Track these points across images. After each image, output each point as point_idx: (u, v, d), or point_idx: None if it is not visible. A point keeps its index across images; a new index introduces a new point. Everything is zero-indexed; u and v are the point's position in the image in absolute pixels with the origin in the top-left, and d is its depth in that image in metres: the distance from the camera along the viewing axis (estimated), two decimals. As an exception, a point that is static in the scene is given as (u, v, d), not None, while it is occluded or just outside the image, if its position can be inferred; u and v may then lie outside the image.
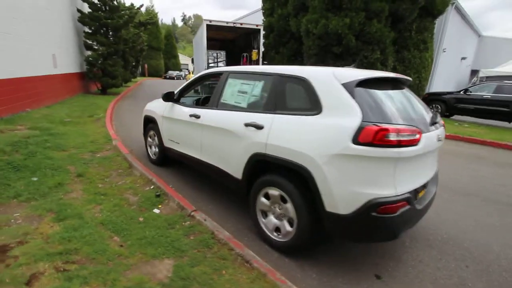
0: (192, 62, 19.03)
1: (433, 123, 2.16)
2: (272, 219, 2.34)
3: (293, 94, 2.30)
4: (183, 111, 3.30)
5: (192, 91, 3.81)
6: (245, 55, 12.10)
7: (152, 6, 16.41)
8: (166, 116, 3.61)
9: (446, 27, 14.46)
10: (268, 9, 13.25)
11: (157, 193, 3.03)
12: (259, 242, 2.41)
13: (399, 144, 1.76)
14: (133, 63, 17.44)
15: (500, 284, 2.06)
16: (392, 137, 1.74)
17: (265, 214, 2.41)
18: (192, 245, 2.20)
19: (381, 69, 10.41)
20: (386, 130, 1.73)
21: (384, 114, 1.84)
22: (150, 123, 4.18)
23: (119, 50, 11.72)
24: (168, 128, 3.62)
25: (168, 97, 3.49)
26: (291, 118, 2.13)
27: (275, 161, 2.18)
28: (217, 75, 3.16)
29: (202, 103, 3.85)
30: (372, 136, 1.74)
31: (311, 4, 9.86)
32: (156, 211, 2.73)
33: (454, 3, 14.37)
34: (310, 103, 2.07)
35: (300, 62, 12.29)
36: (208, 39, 10.61)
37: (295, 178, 2.11)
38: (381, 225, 1.81)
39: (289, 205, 2.14)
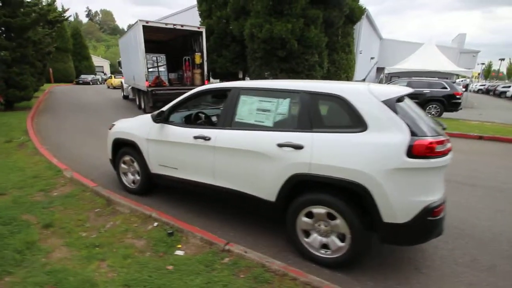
0: (119, 65, 16.95)
1: (443, 129, 2.49)
2: (316, 237, 2.31)
3: (330, 112, 2.30)
4: (182, 133, 2.92)
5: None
6: (187, 58, 11.45)
7: (62, 9, 13.71)
8: (154, 139, 3.13)
9: (361, 32, 16.79)
10: (205, 10, 12.91)
11: (169, 231, 2.61)
12: (304, 262, 2.35)
13: (443, 153, 1.98)
14: (41, 69, 14.47)
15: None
16: (439, 148, 1.95)
17: (307, 233, 2.36)
18: (250, 285, 1.99)
19: (319, 71, 11.41)
20: (435, 142, 1.92)
21: (421, 127, 2.03)
22: (123, 147, 3.56)
23: (27, 55, 9.51)
24: (158, 152, 3.15)
25: (160, 117, 3.02)
26: (334, 136, 2.14)
27: (322, 180, 2.16)
28: (221, 91, 2.91)
29: (194, 121, 3.48)
30: (424, 149, 1.90)
31: (254, 9, 10.04)
32: (180, 252, 2.35)
33: (366, 11, 16.80)
34: (352, 121, 2.12)
35: (244, 65, 12.41)
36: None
37: (344, 195, 2.13)
38: (434, 226, 2.02)
39: (338, 221, 2.16)
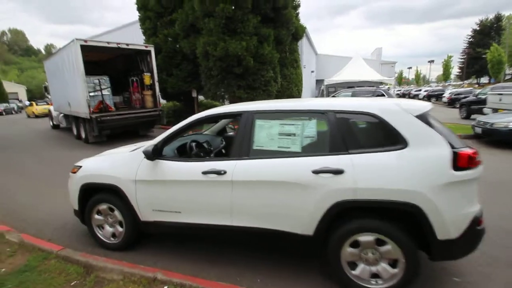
0: (46, 90, 14.58)
1: None
2: (365, 267, 2.10)
3: (363, 131, 2.17)
4: (185, 168, 2.43)
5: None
6: (134, 79, 10.46)
7: None
8: (146, 180, 2.56)
9: (302, 48, 18.02)
10: (150, 28, 12.13)
11: (188, 296, 2.07)
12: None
13: (480, 163, 2.01)
14: None
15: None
16: (478, 158, 1.97)
17: (353, 265, 2.13)
18: None
19: (274, 86, 11.69)
20: (475, 153, 1.94)
21: (453, 139, 2.05)
22: (96, 193, 2.85)
23: None
24: (151, 195, 2.57)
25: (155, 153, 2.47)
26: (376, 156, 2.00)
27: (370, 205, 1.98)
28: (229, 116, 2.55)
29: (192, 152, 2.97)
30: (467, 160, 1.90)
31: (206, 27, 9.79)
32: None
33: (306, 30, 18.15)
34: (390, 138, 2.02)
35: (197, 83, 11.94)
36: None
37: (395, 217, 2.00)
38: (480, 234, 2.02)
39: (390, 247, 2.00)
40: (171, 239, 3.00)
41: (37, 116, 20.60)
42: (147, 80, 10.12)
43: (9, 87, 38.04)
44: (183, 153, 2.98)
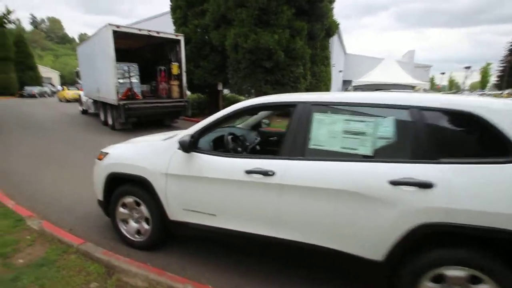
0: (77, 75, 14.96)
1: None
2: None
3: (461, 134, 1.72)
4: (225, 165, 2.09)
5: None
6: (162, 68, 10.35)
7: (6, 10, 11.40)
8: (178, 174, 2.24)
9: (333, 46, 17.27)
10: (180, 18, 11.99)
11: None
12: None
13: None
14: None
15: None
16: None
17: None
18: None
19: (303, 83, 11.17)
20: None
21: None
22: (123, 184, 2.58)
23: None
24: (183, 192, 2.25)
25: (192, 144, 2.14)
26: (477, 168, 1.54)
27: (468, 232, 1.53)
28: (279, 107, 2.17)
29: (231, 146, 2.64)
30: None
31: (238, 18, 9.45)
32: None
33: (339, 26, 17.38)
34: (496, 146, 1.55)
35: (224, 76, 11.67)
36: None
37: (498, 249, 1.54)
38: None
39: (487, 287, 1.54)
40: (201, 242, 2.68)
41: (68, 101, 21.36)
42: (175, 69, 9.98)
43: (44, 72, 40.06)
44: (219, 147, 2.64)
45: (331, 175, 1.77)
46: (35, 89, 27.48)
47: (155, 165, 2.33)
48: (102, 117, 10.64)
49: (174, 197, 2.29)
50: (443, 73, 34.49)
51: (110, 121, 9.71)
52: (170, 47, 10.35)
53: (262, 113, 3.63)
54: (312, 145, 1.89)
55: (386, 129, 1.76)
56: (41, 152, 6.36)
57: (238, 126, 3.65)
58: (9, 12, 11.53)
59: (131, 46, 11.33)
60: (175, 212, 2.32)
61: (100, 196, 2.75)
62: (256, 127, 3.74)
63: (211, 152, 2.23)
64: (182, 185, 2.25)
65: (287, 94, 2.15)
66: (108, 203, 2.68)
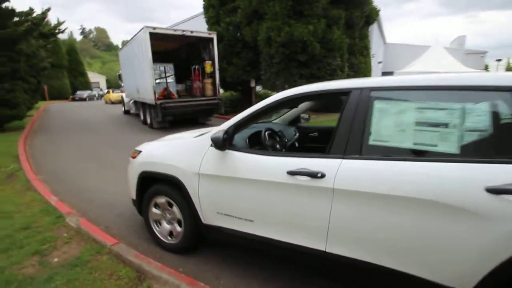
0: (119, 78, 15.92)
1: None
2: None
3: None
4: (264, 164, 1.81)
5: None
6: (196, 67, 10.46)
7: (45, 13, 12.31)
8: (212, 174, 2.02)
9: (372, 35, 16.08)
10: (213, 17, 12.04)
11: None
12: None
13: None
14: (35, 85, 13.42)
15: None
16: None
17: None
18: None
19: (341, 75, 10.49)
20: None
21: None
22: (156, 183, 2.44)
23: (18, 69, 8.44)
24: (217, 194, 2.03)
25: (226, 141, 1.90)
26: None
27: None
28: (329, 95, 1.83)
29: (264, 142, 2.37)
30: None
31: (271, 11, 9.15)
32: None
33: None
34: None
35: (257, 73, 11.46)
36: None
37: None
38: None
39: None
40: (239, 249, 2.45)
41: (113, 103, 22.92)
42: (208, 68, 10.00)
43: (93, 77, 43.75)
44: (255, 144, 2.38)
45: (400, 180, 1.39)
46: (85, 93, 30.05)
47: (187, 164, 2.14)
48: (141, 116, 11.10)
49: (207, 199, 2.07)
50: (499, 60, 30.29)
51: (148, 120, 10.07)
52: (203, 46, 10.40)
53: (300, 107, 3.29)
54: (372, 140, 1.52)
55: (479, 118, 1.33)
56: (86, 150, 6.72)
57: (274, 121, 3.36)
58: (60, 23, 12.50)
59: (167, 48, 11.64)
60: (209, 215, 2.11)
61: (133, 195, 2.66)
62: (294, 122, 3.41)
63: (247, 150, 1.97)
64: (215, 186, 2.02)
65: (336, 80, 1.79)
66: (141, 202, 2.57)
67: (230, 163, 1.95)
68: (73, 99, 28.83)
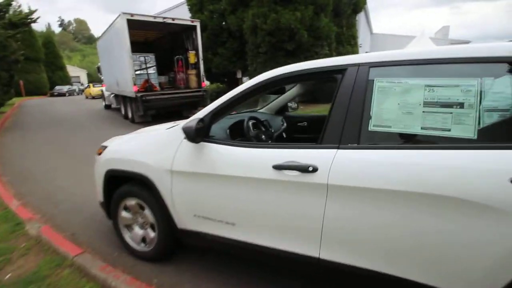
0: (98, 71, 15.11)
1: None
2: None
3: None
4: (246, 158, 1.54)
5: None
6: (179, 58, 9.96)
7: (19, 7, 11.48)
8: (187, 171, 1.73)
9: (360, 24, 15.91)
10: (196, 4, 11.49)
11: None
12: None
13: None
14: (7, 80, 12.55)
15: None
16: None
17: None
18: None
19: (329, 65, 10.26)
20: None
21: None
22: (125, 183, 2.13)
23: (-18, 60, 7.73)
24: (193, 194, 1.74)
25: (201, 132, 1.60)
26: None
27: None
28: (318, 75, 1.55)
29: (247, 133, 2.09)
30: None
31: (256, -3, 8.75)
32: None
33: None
34: None
35: (243, 63, 11.08)
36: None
37: None
38: None
39: None
40: (220, 255, 2.18)
41: (93, 97, 21.94)
42: (192, 58, 9.53)
43: (73, 71, 41.88)
44: (238, 135, 2.10)
45: (409, 171, 1.15)
46: (65, 88, 28.70)
47: (158, 160, 1.84)
48: (122, 110, 10.55)
49: (182, 200, 1.79)
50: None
51: (130, 115, 9.57)
52: (186, 35, 9.89)
53: (287, 95, 3.01)
54: (373, 126, 1.27)
55: (500, 96, 1.09)
56: (61, 148, 6.24)
57: (259, 110, 3.08)
58: (31, 12, 11.58)
59: (148, 38, 11.05)
60: (184, 218, 1.83)
61: (100, 197, 2.33)
62: (281, 111, 3.14)
63: (228, 142, 1.68)
64: (191, 185, 1.73)
65: (331, 58, 1.52)
66: (109, 205, 2.25)
67: (207, 157, 1.66)
68: (52, 95, 27.48)
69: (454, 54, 1.18)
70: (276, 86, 1.65)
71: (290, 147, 1.44)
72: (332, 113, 1.37)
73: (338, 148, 1.30)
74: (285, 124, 2.98)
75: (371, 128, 1.27)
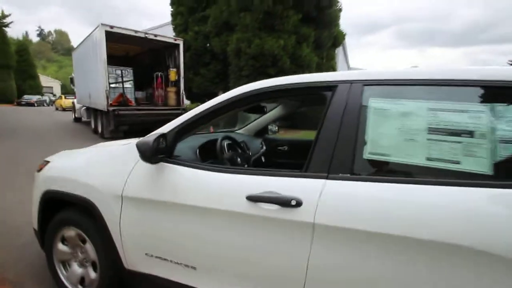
0: (71, 82, 14.36)
1: None
2: None
3: None
4: (213, 184, 1.25)
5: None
6: (159, 74, 9.70)
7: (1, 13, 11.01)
8: (140, 198, 1.39)
9: (338, 57, 16.79)
10: (181, 24, 11.53)
11: None
12: None
13: None
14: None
15: None
16: None
17: None
18: None
19: (309, 93, 10.49)
20: None
21: None
22: (64, 208, 1.73)
23: None
24: (148, 226, 1.39)
25: (159, 151, 1.30)
26: None
27: None
28: (304, 91, 1.35)
29: (219, 154, 1.81)
30: None
31: (241, 23, 8.91)
32: None
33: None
34: None
35: (225, 85, 11.03)
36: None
37: None
38: None
39: None
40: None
41: (64, 109, 20.77)
42: (172, 75, 9.31)
43: (46, 81, 39.98)
44: (210, 157, 1.81)
45: (414, 212, 0.92)
46: (34, 98, 27.09)
47: (106, 182, 1.49)
48: (92, 124, 9.90)
49: (132, 234, 1.43)
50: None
51: (100, 129, 8.96)
52: (169, 52, 9.75)
53: (269, 116, 2.82)
54: (369, 153, 1.06)
55: (516, 123, 0.93)
56: (15, 162, 5.53)
57: (237, 131, 2.85)
58: (4, 16, 10.98)
59: (128, 52, 10.76)
60: (134, 257, 1.46)
61: (35, 224, 1.89)
62: (260, 133, 2.93)
63: (194, 164, 1.39)
64: (144, 215, 1.40)
65: (323, 73, 1.33)
66: (44, 235, 1.82)
67: (168, 181, 1.35)
68: (19, 104, 25.71)
69: (457, 76, 1.03)
70: (255, 101, 1.43)
71: (269, 173, 1.18)
72: (320, 137, 1.14)
73: (327, 178, 1.07)
74: (264, 147, 2.75)
75: (366, 155, 1.06)
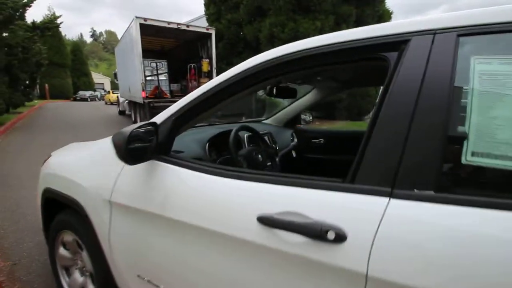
0: (115, 77, 15.23)
1: None
2: None
3: None
4: (217, 194, 0.89)
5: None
6: (192, 66, 9.66)
7: (52, 15, 12.01)
8: (128, 206, 1.10)
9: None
10: (214, 13, 11.31)
11: None
12: None
13: None
14: (27, 82, 12.82)
15: None
16: None
17: None
18: None
19: (350, 79, 9.59)
20: None
21: None
22: (63, 209, 1.53)
23: (-4, 59, 7.74)
24: (142, 243, 1.10)
25: (153, 150, 0.97)
26: None
27: None
28: (355, 51, 0.89)
29: (233, 152, 1.45)
30: None
31: (275, 6, 8.35)
32: None
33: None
34: None
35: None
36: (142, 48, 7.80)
37: None
38: None
39: None
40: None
41: (112, 103, 22.39)
42: (205, 66, 9.18)
43: (97, 78, 43.71)
44: (223, 154, 1.46)
45: None
46: (87, 93, 29.71)
47: (94, 182, 1.23)
48: (132, 117, 10.33)
49: (122, 248, 1.15)
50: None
51: (138, 121, 9.26)
52: (201, 43, 9.62)
53: (301, 102, 2.38)
54: (472, 154, 0.59)
55: None
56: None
57: (264, 121, 2.46)
58: (55, 17, 11.87)
59: (164, 46, 10.91)
60: (126, 277, 1.18)
61: (41, 222, 1.75)
62: (291, 124, 2.50)
63: (187, 163, 1.03)
64: (136, 227, 1.10)
65: (373, 25, 0.87)
66: (48, 234, 1.66)
67: (158, 187, 1.03)
68: (75, 99, 28.43)
69: None
70: (279, 74, 1.01)
71: (291, 182, 0.77)
72: (378, 128, 0.69)
73: (390, 195, 0.63)
74: (295, 140, 2.32)
75: (467, 158, 0.59)
